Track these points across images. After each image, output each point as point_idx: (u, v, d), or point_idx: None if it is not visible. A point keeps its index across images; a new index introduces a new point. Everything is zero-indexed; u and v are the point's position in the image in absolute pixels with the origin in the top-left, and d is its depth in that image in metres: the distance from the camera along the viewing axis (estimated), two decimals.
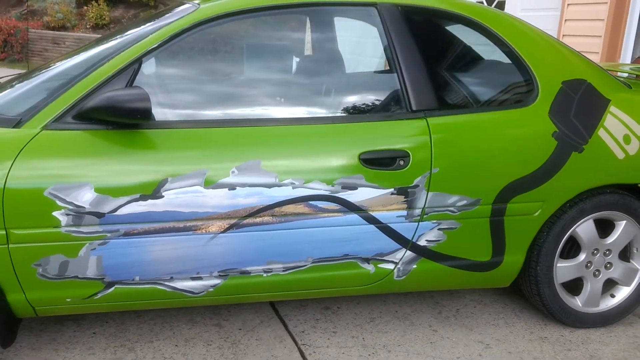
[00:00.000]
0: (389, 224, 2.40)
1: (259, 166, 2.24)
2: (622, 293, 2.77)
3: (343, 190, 2.31)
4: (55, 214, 2.11)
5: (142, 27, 2.46)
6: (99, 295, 2.26)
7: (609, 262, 2.72)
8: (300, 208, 2.30)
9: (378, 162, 2.34)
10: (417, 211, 2.40)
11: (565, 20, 5.33)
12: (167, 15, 2.49)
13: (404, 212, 2.39)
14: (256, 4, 2.40)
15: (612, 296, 2.78)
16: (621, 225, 2.68)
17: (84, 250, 2.17)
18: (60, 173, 2.10)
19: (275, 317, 2.75)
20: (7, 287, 2.17)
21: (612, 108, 2.59)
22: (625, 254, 2.77)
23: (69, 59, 2.58)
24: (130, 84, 2.22)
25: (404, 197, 2.37)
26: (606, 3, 4.94)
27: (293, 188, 2.27)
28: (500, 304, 2.96)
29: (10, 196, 2.06)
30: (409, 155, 2.35)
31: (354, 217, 2.35)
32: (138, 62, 2.25)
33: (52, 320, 2.66)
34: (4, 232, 2.09)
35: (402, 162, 2.35)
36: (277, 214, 2.28)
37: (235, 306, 2.82)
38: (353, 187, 2.32)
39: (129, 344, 2.50)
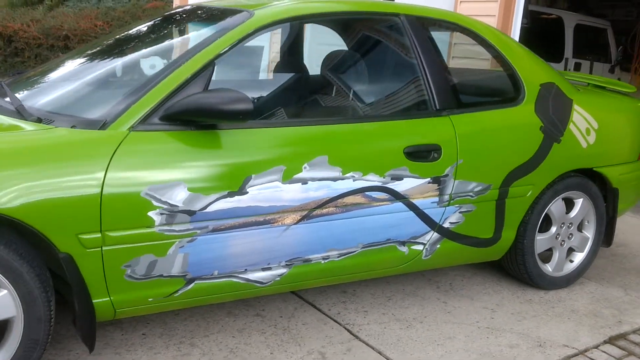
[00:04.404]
0: (424, 210, 2.72)
1: (325, 161, 2.44)
2: (578, 258, 3.37)
3: (392, 181, 2.59)
4: (150, 214, 2.14)
5: (195, 32, 2.55)
6: (180, 292, 2.31)
7: (570, 233, 3.29)
8: (358, 199, 2.53)
9: (418, 155, 2.65)
10: (446, 197, 2.76)
11: None
12: (217, 18, 2.59)
13: (437, 199, 2.73)
14: (304, 12, 2.59)
15: (571, 261, 3.36)
16: (580, 202, 3.27)
17: (173, 248, 2.22)
18: (155, 173, 2.13)
19: (305, 303, 2.94)
20: (95, 290, 2.15)
21: (575, 106, 3.15)
22: (579, 226, 3.36)
23: (107, 57, 2.58)
24: (207, 85, 2.30)
25: (437, 185, 2.71)
26: None
27: (354, 180, 2.50)
28: (480, 277, 3.42)
29: (108, 199, 2.06)
30: (441, 149, 2.70)
31: (399, 205, 2.64)
32: (212, 64, 2.33)
33: None
34: (99, 235, 2.08)
35: (436, 155, 2.69)
36: (340, 205, 2.50)
37: (263, 297, 2.96)
38: (399, 178, 2.61)
39: (187, 340, 2.55)
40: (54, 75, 2.61)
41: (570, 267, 3.35)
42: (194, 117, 2.18)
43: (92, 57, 2.67)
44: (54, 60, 2.88)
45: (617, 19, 10.00)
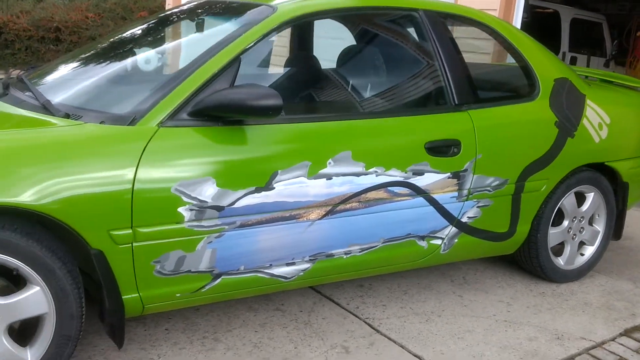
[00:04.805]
0: (444, 205, 2.74)
1: (349, 157, 2.45)
2: (589, 252, 3.41)
3: (413, 176, 2.60)
4: (180, 209, 2.14)
5: (214, 27, 2.54)
6: (206, 287, 2.31)
7: (582, 227, 3.33)
8: (380, 194, 2.55)
9: (438, 150, 2.66)
10: (465, 192, 2.78)
11: None
12: (237, 13, 2.58)
13: (456, 194, 2.75)
14: (328, 7, 2.59)
15: (582, 255, 3.40)
16: (591, 197, 3.30)
17: (202, 244, 2.22)
18: (184, 169, 2.13)
19: (324, 298, 2.96)
20: (125, 286, 2.14)
21: (588, 101, 3.18)
22: (590, 220, 3.40)
23: (128, 51, 2.57)
24: (233, 81, 2.30)
25: (457, 180, 2.73)
26: None
27: (376, 176, 2.51)
28: (492, 270, 3.45)
29: (139, 195, 2.06)
30: (460, 144, 2.71)
31: (419, 200, 2.66)
32: (237, 59, 2.33)
33: None
34: (130, 231, 2.07)
35: (455, 150, 2.70)
36: (363, 200, 2.51)
37: (282, 292, 2.97)
38: (420, 173, 2.62)
39: (211, 335, 2.55)
40: (72, 70, 2.59)
41: (581, 260, 3.39)
42: (223, 113, 2.18)
43: (112, 51, 2.66)
44: (69, 54, 2.86)
45: (610, 13, 10.09)
